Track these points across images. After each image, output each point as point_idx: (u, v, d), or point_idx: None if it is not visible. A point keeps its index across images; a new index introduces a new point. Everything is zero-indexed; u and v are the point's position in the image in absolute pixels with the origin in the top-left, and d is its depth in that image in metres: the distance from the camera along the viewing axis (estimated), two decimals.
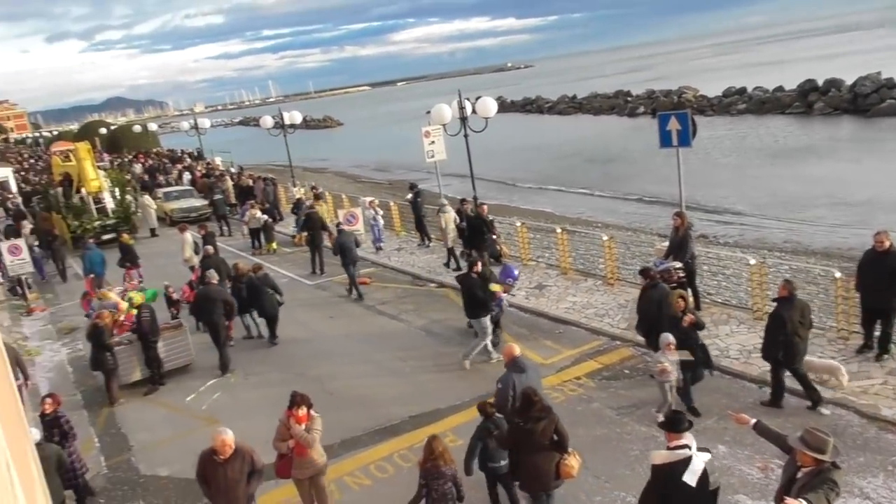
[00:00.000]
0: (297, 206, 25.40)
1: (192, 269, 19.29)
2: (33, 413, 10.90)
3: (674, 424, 6.59)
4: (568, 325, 14.59)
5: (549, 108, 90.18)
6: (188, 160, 48.11)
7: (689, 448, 6.40)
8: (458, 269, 18.52)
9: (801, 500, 5.40)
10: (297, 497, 8.67)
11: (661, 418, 8.79)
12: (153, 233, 29.88)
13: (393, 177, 49.91)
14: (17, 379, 11.48)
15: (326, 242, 20.87)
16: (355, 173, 55.64)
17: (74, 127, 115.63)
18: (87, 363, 14.06)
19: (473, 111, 19.48)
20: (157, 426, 12.48)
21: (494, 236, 18.30)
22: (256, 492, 8.12)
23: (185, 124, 49.06)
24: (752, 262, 13.74)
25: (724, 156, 40.92)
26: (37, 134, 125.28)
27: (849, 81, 50.86)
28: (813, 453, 5.68)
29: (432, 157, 20.82)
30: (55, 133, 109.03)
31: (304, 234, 21.69)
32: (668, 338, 9.85)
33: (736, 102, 60.46)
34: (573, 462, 7.78)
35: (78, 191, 29.56)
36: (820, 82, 53.36)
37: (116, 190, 30.88)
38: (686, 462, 6.32)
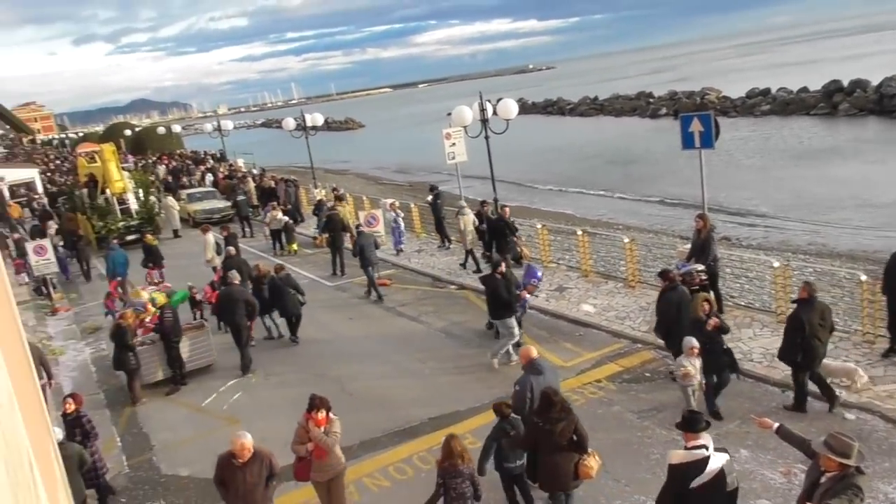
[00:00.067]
0: (319, 207, 25.50)
1: (214, 269, 19.44)
2: (56, 412, 11.00)
3: (691, 424, 6.59)
4: (588, 328, 14.52)
5: (571, 110, 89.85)
6: (211, 162, 48.43)
7: (707, 448, 6.39)
8: (479, 270, 18.52)
9: None
10: (316, 498, 8.68)
11: None
12: (176, 234, 30.12)
13: (414, 179, 49.91)
14: (40, 378, 11.60)
15: (348, 244, 20.93)
16: (376, 175, 55.73)
17: (100, 128, 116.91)
18: (110, 363, 14.19)
19: (494, 113, 19.43)
20: (178, 426, 12.57)
21: (515, 238, 18.28)
22: (275, 493, 8.13)
23: (209, 126, 49.37)
24: (776, 264, 13.60)
25: (747, 157, 40.55)
26: (63, 135, 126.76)
27: (875, 82, 50.23)
28: (838, 458, 5.60)
29: (453, 158, 20.81)
30: (81, 134, 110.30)
31: (325, 235, 21.75)
32: (692, 341, 9.78)
33: (760, 103, 59.86)
34: (592, 462, 7.76)
35: (103, 192, 29.87)
36: (845, 83, 52.75)
37: (140, 191, 31.19)
38: (702, 462, 6.30)
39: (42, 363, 12.68)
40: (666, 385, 11.47)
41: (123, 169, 33.18)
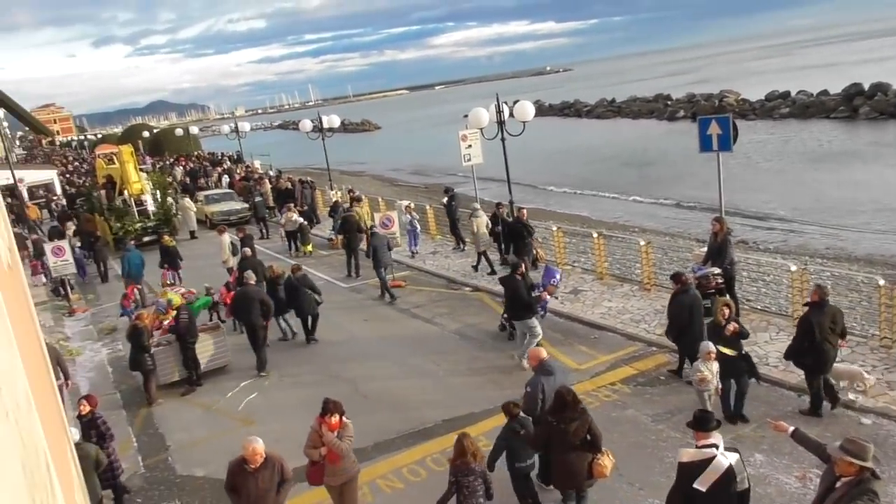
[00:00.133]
0: (335, 209, 25.57)
1: (229, 271, 19.53)
2: (73, 413, 11.08)
3: (701, 423, 6.63)
4: (603, 331, 14.47)
5: (588, 112, 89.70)
6: (228, 163, 48.71)
7: (717, 447, 6.42)
8: (492, 272, 18.53)
9: None
10: (328, 500, 8.68)
11: None
12: (193, 235, 30.30)
13: (430, 180, 49.99)
14: (57, 379, 11.69)
15: (363, 245, 20.97)
16: (392, 177, 55.88)
17: (118, 130, 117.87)
18: (127, 363, 14.28)
19: (511, 115, 19.39)
20: (193, 426, 12.62)
21: (532, 240, 18.25)
22: (287, 496, 8.12)
23: (226, 128, 49.70)
24: (793, 268, 13.50)
25: (765, 160, 40.31)
26: (82, 137, 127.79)
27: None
28: (854, 459, 5.58)
29: (469, 160, 20.79)
30: (99, 136, 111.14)
31: (341, 236, 21.79)
32: (709, 346, 9.74)
33: (779, 106, 59.51)
34: (606, 461, 7.76)
35: (121, 193, 30.08)
36: (866, 86, 52.41)
37: (158, 192, 31.38)
38: (711, 461, 6.29)
39: (59, 364, 12.75)
40: (680, 388, 11.41)
41: (141, 170, 33.43)
